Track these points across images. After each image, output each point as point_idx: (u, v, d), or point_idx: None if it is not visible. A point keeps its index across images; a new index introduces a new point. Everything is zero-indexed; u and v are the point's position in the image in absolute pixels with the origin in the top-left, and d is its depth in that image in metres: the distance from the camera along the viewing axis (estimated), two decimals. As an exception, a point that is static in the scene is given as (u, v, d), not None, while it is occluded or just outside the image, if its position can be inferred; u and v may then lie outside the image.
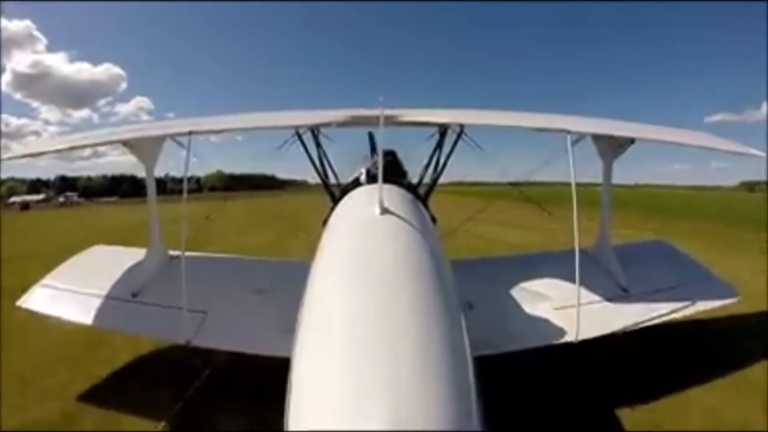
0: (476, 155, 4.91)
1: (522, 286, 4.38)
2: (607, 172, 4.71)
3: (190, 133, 3.81)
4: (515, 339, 3.72)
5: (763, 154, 3.73)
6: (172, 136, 4.33)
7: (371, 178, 4.52)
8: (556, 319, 3.82)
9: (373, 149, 5.37)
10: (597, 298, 4.12)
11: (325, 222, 3.92)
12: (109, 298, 4.25)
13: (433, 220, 3.98)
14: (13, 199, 58.42)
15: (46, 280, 4.62)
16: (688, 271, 4.83)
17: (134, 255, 4.71)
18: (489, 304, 3.92)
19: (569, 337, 3.62)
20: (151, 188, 4.89)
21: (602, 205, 4.83)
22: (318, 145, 5.53)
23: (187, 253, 4.04)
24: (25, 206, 48.71)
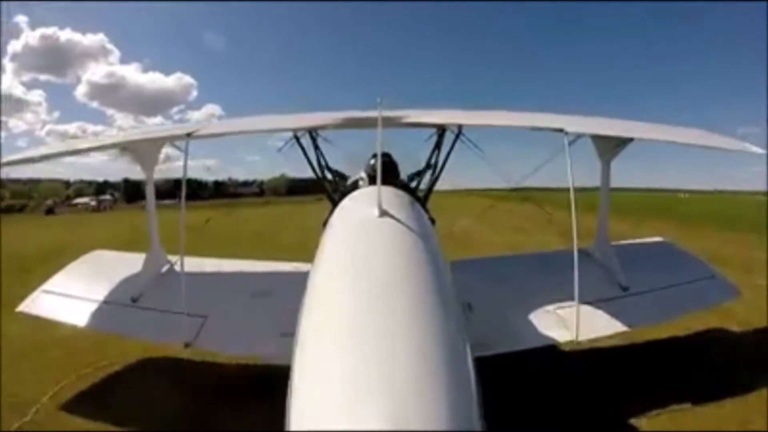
0: (477, 156, 4.91)
1: (522, 285, 4.38)
2: (605, 171, 4.71)
3: (188, 136, 3.82)
4: (515, 339, 3.72)
5: (763, 151, 3.72)
6: (171, 140, 4.34)
7: (370, 180, 4.53)
8: (556, 319, 3.82)
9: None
10: (597, 297, 4.11)
11: (324, 224, 3.92)
12: (110, 302, 4.26)
13: (432, 221, 3.98)
14: (78, 200, 57.74)
15: (47, 285, 4.63)
16: (689, 269, 4.81)
17: (134, 260, 4.72)
18: (488, 304, 3.91)
19: (569, 337, 3.61)
20: (150, 193, 4.90)
21: (601, 205, 4.83)
22: (316, 147, 5.53)
23: (187, 258, 4.05)
24: (50, 210, 47.80)
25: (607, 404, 4.44)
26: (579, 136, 3.85)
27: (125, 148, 4.71)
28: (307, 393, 1.70)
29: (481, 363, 1.99)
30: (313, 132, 5.32)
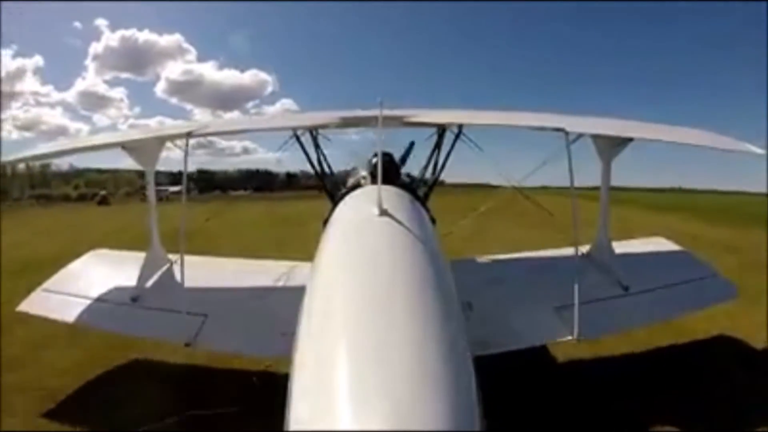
0: (478, 156, 4.91)
1: (522, 285, 4.38)
2: (606, 170, 4.71)
3: (188, 135, 3.82)
4: (515, 338, 3.71)
5: (763, 152, 3.71)
6: (171, 139, 4.34)
7: (371, 179, 4.52)
8: (556, 318, 3.82)
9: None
10: (597, 296, 4.11)
11: (325, 223, 3.92)
12: (110, 301, 4.26)
13: (433, 220, 3.98)
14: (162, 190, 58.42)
15: (47, 284, 4.64)
16: (690, 268, 4.81)
17: (134, 258, 4.73)
18: (489, 304, 3.91)
19: (569, 336, 3.62)
20: (151, 192, 4.91)
21: (601, 204, 4.83)
22: (317, 146, 5.53)
23: (187, 257, 4.05)
24: (103, 200, 47.70)
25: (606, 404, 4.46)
26: (579, 135, 3.85)
27: (126, 147, 4.71)
28: (307, 393, 1.70)
29: (481, 362, 1.99)
30: (313, 131, 5.32)
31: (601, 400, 4.48)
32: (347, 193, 4.29)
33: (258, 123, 5.72)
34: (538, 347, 4.65)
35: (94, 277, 4.74)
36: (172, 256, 4.77)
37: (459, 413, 1.54)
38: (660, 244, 5.43)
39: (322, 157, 5.60)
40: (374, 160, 4.59)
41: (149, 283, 4.41)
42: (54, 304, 4.39)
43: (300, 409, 1.67)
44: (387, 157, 5.01)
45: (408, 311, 1.97)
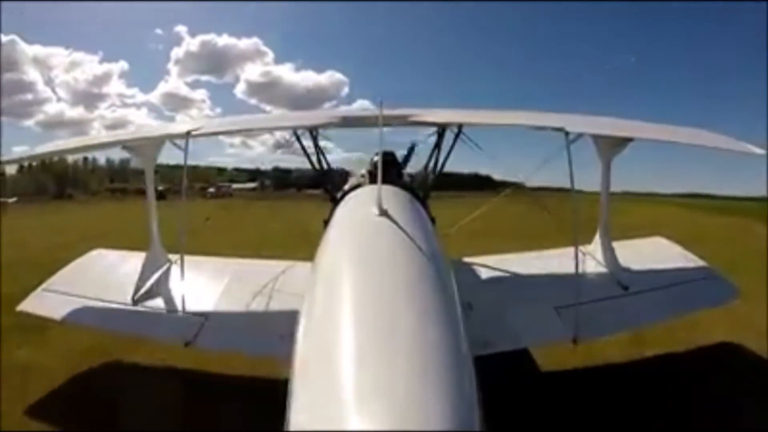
0: (478, 155, 4.90)
1: (522, 285, 4.38)
2: (606, 170, 4.71)
3: (187, 134, 3.82)
4: (515, 338, 3.72)
5: (763, 152, 3.71)
6: (171, 139, 4.34)
7: (371, 178, 4.52)
8: (556, 318, 3.82)
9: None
10: (597, 296, 4.11)
11: (325, 223, 3.92)
12: (110, 301, 4.26)
13: (432, 220, 3.98)
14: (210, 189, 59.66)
15: (47, 284, 4.63)
16: (689, 268, 4.80)
17: (134, 259, 4.72)
18: (489, 304, 3.91)
19: (569, 336, 3.62)
20: (151, 191, 4.90)
21: (601, 204, 4.83)
22: (317, 146, 5.52)
23: (187, 257, 4.05)
24: (161, 195, 48.08)
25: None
26: (580, 135, 3.84)
27: (126, 146, 4.70)
28: (307, 393, 1.70)
29: (481, 362, 1.99)
30: (313, 130, 5.31)
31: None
32: (348, 193, 4.29)
33: (259, 122, 5.70)
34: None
35: (94, 277, 4.74)
36: (172, 256, 4.76)
37: (460, 413, 1.54)
38: (660, 244, 5.42)
39: (322, 157, 5.60)
40: (375, 159, 4.59)
41: (149, 283, 4.40)
42: (54, 304, 4.38)
43: (300, 410, 1.67)
44: (389, 157, 5.00)
45: (408, 311, 1.97)
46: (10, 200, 48.75)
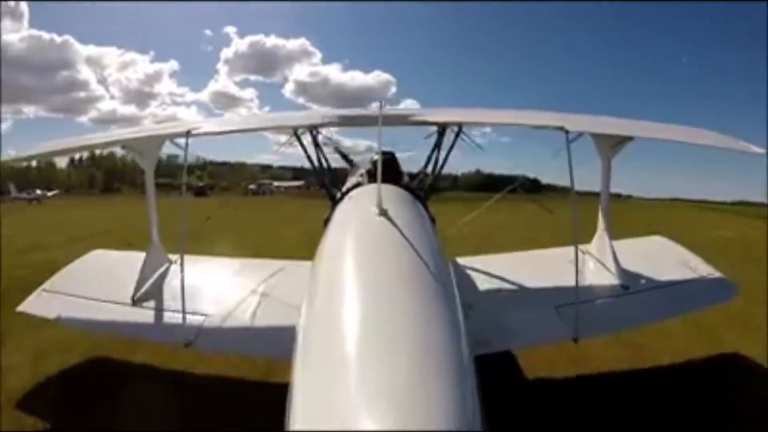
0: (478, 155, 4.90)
1: (522, 284, 4.38)
2: (606, 169, 4.71)
3: (187, 134, 3.81)
4: (515, 338, 3.72)
5: (763, 151, 3.71)
6: (171, 138, 4.33)
7: (371, 178, 4.51)
8: (556, 318, 3.82)
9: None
10: (597, 295, 4.11)
11: (325, 222, 3.92)
12: (110, 302, 4.24)
13: (432, 220, 3.98)
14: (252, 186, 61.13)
15: (47, 285, 4.62)
16: (689, 267, 4.79)
17: (134, 259, 4.71)
18: (489, 303, 3.91)
19: (569, 336, 3.62)
20: (150, 191, 4.89)
21: (601, 203, 4.83)
22: (316, 145, 5.52)
23: (187, 257, 4.04)
24: (200, 191, 47.91)
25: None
26: (580, 134, 3.84)
27: (126, 146, 4.69)
28: (308, 392, 1.70)
29: (481, 362, 1.99)
30: (313, 130, 5.31)
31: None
32: (347, 192, 4.28)
33: (259, 121, 5.70)
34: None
35: (93, 277, 4.73)
36: (172, 256, 4.76)
37: (460, 413, 1.54)
38: (660, 243, 5.42)
39: (321, 156, 5.59)
40: (375, 158, 4.58)
41: (149, 284, 4.40)
42: (53, 305, 4.37)
43: (301, 410, 1.67)
44: (389, 156, 4.99)
45: (408, 311, 1.97)
46: (49, 193, 50.87)
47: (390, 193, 3.45)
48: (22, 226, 21.52)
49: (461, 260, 4.89)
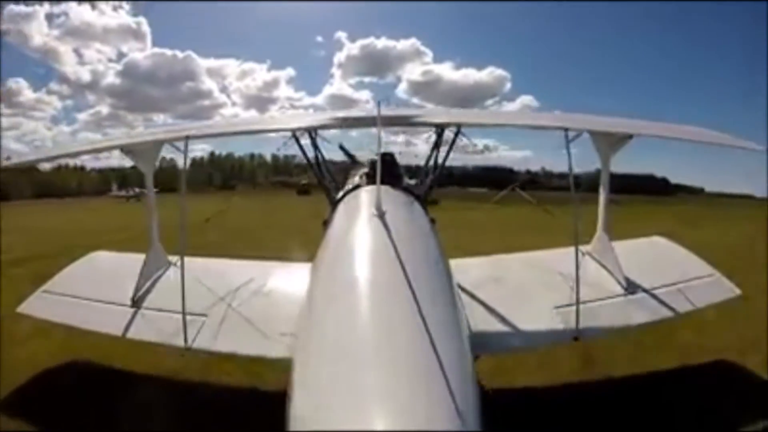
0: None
1: (522, 285, 4.36)
2: (605, 168, 4.70)
3: (186, 137, 3.82)
4: (515, 338, 3.70)
5: (763, 148, 3.71)
6: (169, 142, 4.34)
7: (370, 180, 4.51)
8: (556, 318, 3.81)
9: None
10: (597, 296, 4.10)
11: (325, 224, 3.92)
12: (109, 303, 4.25)
13: (432, 221, 3.97)
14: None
15: (47, 286, 4.63)
16: (689, 267, 4.78)
17: (133, 260, 4.71)
18: (489, 304, 3.90)
19: (569, 336, 3.60)
20: (151, 194, 4.90)
21: (600, 203, 4.81)
22: (315, 147, 5.53)
23: (187, 258, 4.04)
24: (303, 191, 49.35)
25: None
26: (579, 133, 3.84)
27: (125, 149, 4.70)
28: (308, 392, 1.70)
29: (481, 362, 1.99)
30: (312, 132, 5.31)
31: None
32: (347, 194, 4.28)
33: (258, 124, 5.69)
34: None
35: (94, 279, 4.73)
36: (171, 258, 4.76)
37: (459, 413, 1.54)
38: (660, 244, 5.41)
39: (321, 158, 5.60)
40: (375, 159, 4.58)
41: (149, 285, 4.40)
42: (54, 306, 4.38)
43: (301, 409, 1.67)
44: (388, 157, 4.99)
45: (408, 311, 1.96)
46: (138, 190, 52.42)
47: (389, 194, 3.45)
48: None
49: (461, 260, 4.88)
